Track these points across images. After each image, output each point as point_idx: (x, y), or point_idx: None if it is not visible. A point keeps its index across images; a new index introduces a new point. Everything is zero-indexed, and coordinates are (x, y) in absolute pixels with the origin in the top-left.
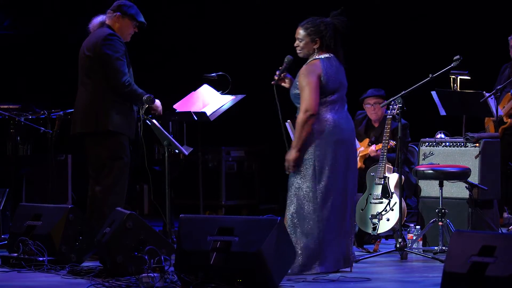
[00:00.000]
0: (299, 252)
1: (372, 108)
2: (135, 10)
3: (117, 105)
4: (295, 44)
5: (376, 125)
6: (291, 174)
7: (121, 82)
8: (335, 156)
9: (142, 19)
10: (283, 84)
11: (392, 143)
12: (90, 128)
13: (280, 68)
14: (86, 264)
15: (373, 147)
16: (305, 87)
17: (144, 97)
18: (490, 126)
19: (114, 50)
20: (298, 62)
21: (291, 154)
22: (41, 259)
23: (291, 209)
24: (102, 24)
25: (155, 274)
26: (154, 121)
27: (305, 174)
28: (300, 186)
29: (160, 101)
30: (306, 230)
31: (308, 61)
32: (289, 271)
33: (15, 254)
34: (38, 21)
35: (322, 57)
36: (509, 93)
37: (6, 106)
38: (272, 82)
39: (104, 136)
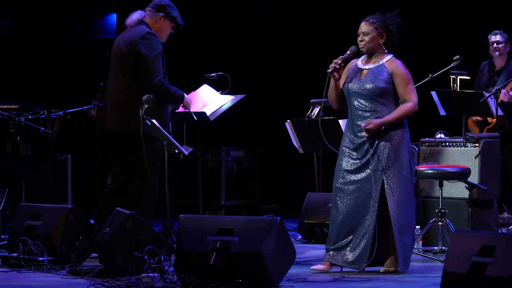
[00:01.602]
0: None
1: None
2: (177, 13)
3: (152, 107)
4: (360, 39)
5: None
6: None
7: (154, 82)
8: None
9: (181, 22)
10: (335, 74)
11: None
12: (122, 126)
13: (342, 56)
14: (86, 264)
15: None
16: (411, 81)
17: (144, 97)
18: (473, 128)
19: (151, 50)
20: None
21: (378, 124)
22: (41, 259)
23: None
24: (140, 21)
25: (155, 274)
26: (154, 121)
27: (403, 173)
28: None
29: None
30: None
31: (388, 58)
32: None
33: (15, 254)
34: (38, 20)
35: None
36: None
37: (6, 106)
38: (328, 70)
39: (136, 138)
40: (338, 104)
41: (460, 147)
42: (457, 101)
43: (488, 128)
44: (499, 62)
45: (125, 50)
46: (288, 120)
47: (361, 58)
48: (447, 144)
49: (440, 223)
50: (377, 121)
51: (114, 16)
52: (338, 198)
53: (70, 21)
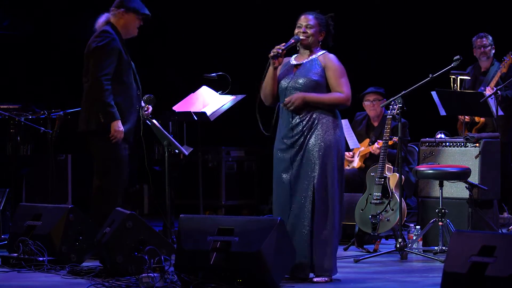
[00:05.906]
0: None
1: (371, 105)
2: (138, 4)
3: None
4: (303, 30)
5: (375, 124)
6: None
7: (96, 75)
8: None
9: (146, 11)
10: (275, 61)
11: (395, 138)
12: (83, 127)
13: (285, 44)
14: (86, 264)
15: (376, 144)
16: (344, 74)
17: (145, 97)
18: (464, 131)
19: (101, 46)
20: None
21: (300, 97)
22: (41, 259)
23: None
24: (107, 23)
25: (155, 274)
26: (154, 121)
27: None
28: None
29: (160, 102)
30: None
31: (321, 52)
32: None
33: (15, 254)
34: (38, 20)
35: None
36: None
37: (6, 106)
38: (270, 54)
39: (95, 135)
40: (273, 98)
41: (460, 147)
42: (457, 101)
43: (476, 128)
44: (485, 64)
45: (85, 53)
46: None
47: (294, 56)
48: (447, 144)
49: (440, 223)
50: (301, 94)
51: None
52: None
53: (70, 21)
